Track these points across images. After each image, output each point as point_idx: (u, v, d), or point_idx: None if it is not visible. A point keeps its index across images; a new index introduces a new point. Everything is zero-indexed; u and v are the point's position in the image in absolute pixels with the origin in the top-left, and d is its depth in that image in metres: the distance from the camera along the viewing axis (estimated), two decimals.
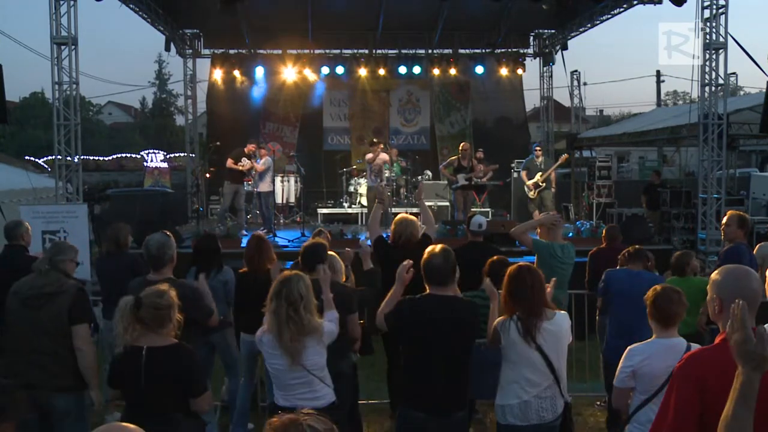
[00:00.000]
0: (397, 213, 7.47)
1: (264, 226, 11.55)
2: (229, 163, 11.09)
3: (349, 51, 15.35)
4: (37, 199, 10.38)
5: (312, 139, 16.09)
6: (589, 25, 13.91)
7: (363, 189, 13.82)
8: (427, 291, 3.80)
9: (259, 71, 15.06)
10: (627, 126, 18.37)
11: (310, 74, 15.14)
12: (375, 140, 12.42)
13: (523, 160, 13.32)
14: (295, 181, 13.42)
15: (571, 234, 10.27)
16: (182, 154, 20.74)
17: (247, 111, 15.74)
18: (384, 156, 11.81)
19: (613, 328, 5.08)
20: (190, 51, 15.56)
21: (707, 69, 9.76)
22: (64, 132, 9.31)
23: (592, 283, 6.31)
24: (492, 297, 4.07)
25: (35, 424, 4.15)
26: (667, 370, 3.28)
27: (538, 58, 16.40)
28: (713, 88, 9.80)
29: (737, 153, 16.99)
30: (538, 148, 12.18)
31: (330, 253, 4.66)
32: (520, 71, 15.90)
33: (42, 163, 24.13)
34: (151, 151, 24.61)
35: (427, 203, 12.66)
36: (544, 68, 16.45)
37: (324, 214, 13.77)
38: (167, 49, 14.26)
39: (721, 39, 9.61)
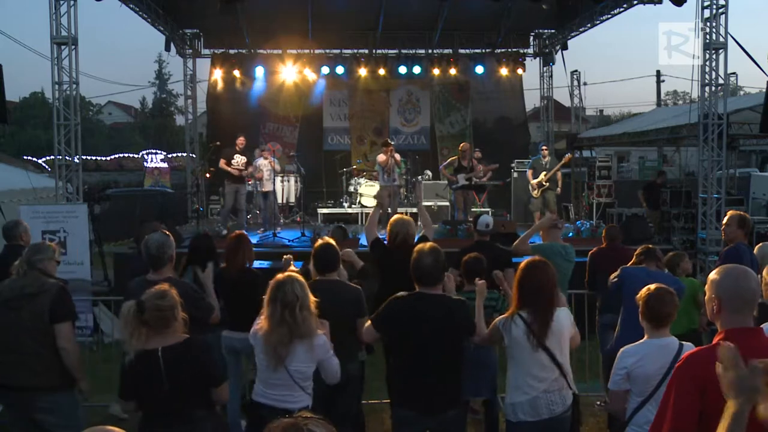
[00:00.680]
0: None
1: (267, 225, 11.58)
2: (222, 164, 11.09)
3: (349, 51, 15.35)
4: (37, 199, 10.38)
5: (312, 139, 16.09)
6: (589, 25, 13.90)
7: (363, 189, 13.83)
8: (416, 289, 3.81)
9: (259, 71, 15.07)
10: (627, 126, 18.37)
11: (310, 74, 15.14)
12: (388, 141, 12.42)
13: (524, 160, 13.35)
14: (295, 181, 13.43)
15: (571, 234, 10.27)
16: (182, 154, 20.74)
17: (247, 111, 15.73)
18: (396, 157, 11.80)
19: (625, 327, 4.96)
20: (190, 51, 15.56)
21: (707, 69, 9.76)
22: (64, 132, 9.30)
23: (592, 283, 6.31)
24: (480, 294, 4.08)
25: (25, 425, 4.14)
26: (661, 370, 3.29)
27: (538, 58, 16.39)
28: (713, 88, 9.79)
29: (737, 153, 16.98)
30: (544, 148, 12.18)
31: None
32: (520, 71, 15.89)
33: (42, 163, 24.14)
34: (151, 151, 24.62)
35: (427, 203, 12.88)
36: (544, 68, 16.45)
37: (324, 214, 13.78)
38: (167, 49, 14.26)
39: (721, 39, 9.61)
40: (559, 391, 3.66)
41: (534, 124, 19.28)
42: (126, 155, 30.38)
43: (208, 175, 14.47)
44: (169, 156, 25.23)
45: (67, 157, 9.34)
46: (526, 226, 11.50)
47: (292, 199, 13.51)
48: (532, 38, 16.33)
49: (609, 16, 13.08)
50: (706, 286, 2.54)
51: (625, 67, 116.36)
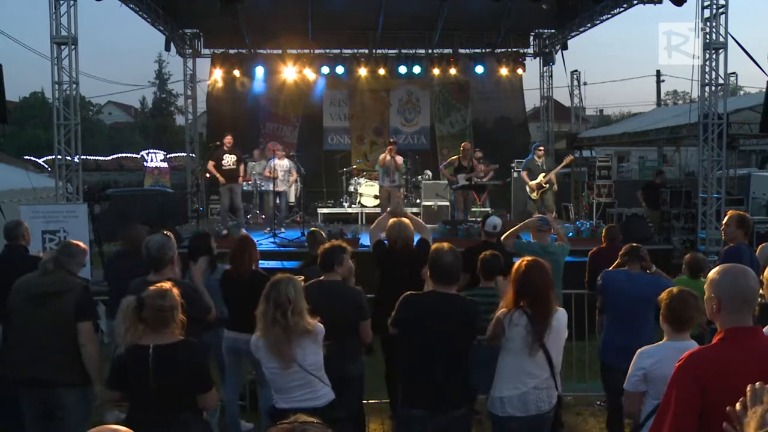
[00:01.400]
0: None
1: (283, 225, 11.60)
2: (210, 166, 11.05)
3: (349, 51, 15.34)
4: (37, 199, 10.38)
5: (312, 139, 16.08)
6: (589, 25, 13.90)
7: (363, 189, 13.83)
8: (431, 287, 3.82)
9: (259, 71, 15.06)
10: (627, 126, 18.38)
11: (310, 74, 15.13)
12: (392, 140, 12.41)
13: (524, 160, 13.31)
14: (295, 181, 13.42)
15: (571, 234, 10.26)
16: (182, 154, 20.73)
17: (247, 111, 15.73)
18: (397, 159, 11.78)
19: (610, 329, 5.06)
20: (190, 51, 15.56)
21: (707, 69, 9.76)
22: (64, 132, 9.31)
23: (592, 283, 6.31)
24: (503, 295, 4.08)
25: (40, 419, 4.24)
26: None
27: (538, 58, 16.39)
28: (713, 88, 9.80)
29: (737, 153, 16.99)
30: (541, 149, 12.10)
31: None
32: (520, 71, 15.88)
33: (42, 163, 24.13)
34: (151, 151, 24.61)
35: (427, 203, 12.85)
36: (544, 68, 16.45)
37: (324, 213, 13.78)
38: (167, 48, 14.25)
39: (721, 39, 9.61)
40: (548, 389, 3.70)
41: (534, 124, 19.28)
42: (126, 155, 30.37)
43: (207, 175, 14.44)
44: (169, 156, 25.23)
45: (67, 157, 9.35)
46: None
47: (292, 199, 13.50)
48: (532, 38, 16.33)
49: (609, 16, 13.07)
50: (706, 286, 2.55)
51: (625, 67, 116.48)
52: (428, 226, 6.41)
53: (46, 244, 8.27)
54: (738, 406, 1.94)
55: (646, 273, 5.21)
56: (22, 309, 4.18)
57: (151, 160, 24.03)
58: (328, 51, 15.28)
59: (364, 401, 5.28)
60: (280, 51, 14.93)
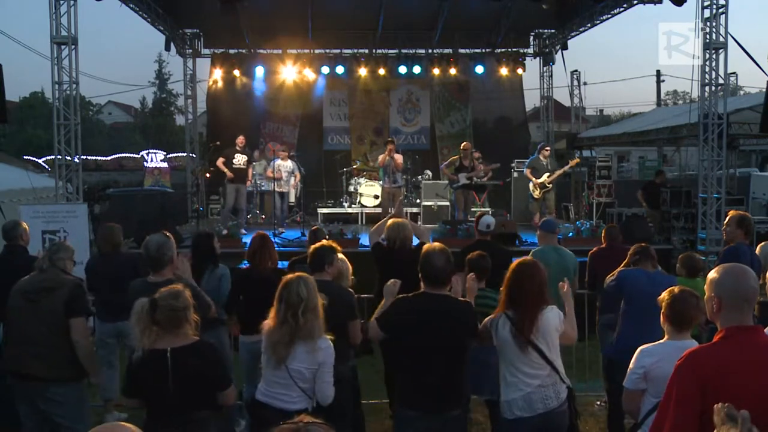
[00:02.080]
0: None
1: (285, 225, 11.60)
2: (219, 162, 11.06)
3: (349, 51, 15.34)
4: (37, 199, 10.38)
5: (312, 138, 16.08)
6: (589, 25, 13.90)
7: (363, 189, 13.83)
8: (422, 289, 3.81)
9: (259, 71, 15.06)
10: (627, 126, 18.40)
11: (310, 74, 15.13)
12: (390, 139, 12.38)
13: (524, 160, 13.29)
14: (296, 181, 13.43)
15: (571, 234, 10.28)
16: (182, 154, 20.74)
17: (247, 111, 15.73)
18: (397, 158, 11.75)
19: (628, 328, 4.95)
20: (190, 51, 15.56)
21: (707, 69, 9.75)
22: (64, 132, 9.30)
23: (592, 283, 6.31)
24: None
25: (35, 414, 4.27)
26: None
27: (538, 58, 16.39)
28: (713, 88, 9.79)
29: (737, 153, 16.98)
30: (547, 148, 12.11)
31: (340, 256, 4.69)
32: (520, 71, 15.88)
33: (42, 163, 24.15)
34: (151, 151, 24.63)
35: (427, 203, 12.85)
36: (544, 68, 16.45)
37: (324, 213, 13.78)
38: (167, 48, 14.26)
39: (721, 39, 9.60)
40: (553, 385, 3.69)
41: (534, 124, 19.28)
42: (126, 155, 30.38)
43: (208, 175, 14.47)
44: (169, 156, 25.24)
45: (67, 157, 9.34)
46: (526, 225, 11.53)
47: (292, 199, 13.51)
48: (532, 38, 16.32)
49: (609, 16, 13.07)
50: (706, 286, 2.55)
51: (625, 67, 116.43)
52: (428, 226, 6.41)
53: (46, 244, 8.26)
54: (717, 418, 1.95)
55: (661, 272, 5.20)
56: (18, 306, 4.27)
57: (151, 160, 24.05)
58: (328, 51, 15.28)
59: (364, 401, 5.29)
60: (280, 51, 14.94)
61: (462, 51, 15.71)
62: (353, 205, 13.88)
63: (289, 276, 3.68)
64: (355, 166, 14.86)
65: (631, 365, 3.37)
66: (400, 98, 16.47)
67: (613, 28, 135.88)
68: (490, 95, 16.54)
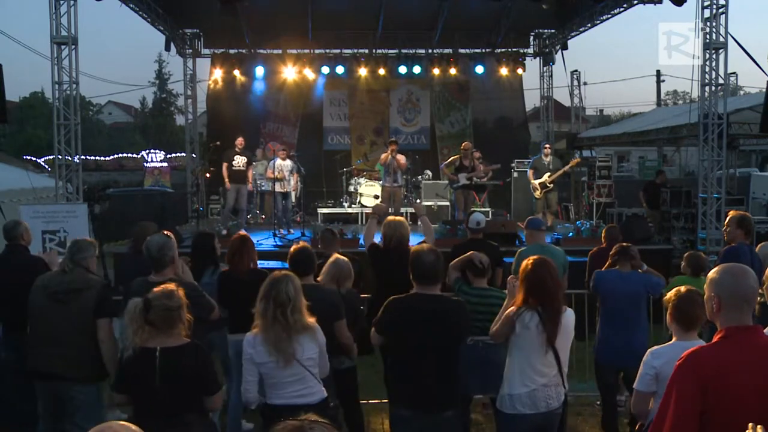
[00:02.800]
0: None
1: (289, 225, 11.62)
2: (224, 168, 11.17)
3: (349, 51, 15.34)
4: (37, 199, 10.38)
5: (312, 138, 16.07)
6: (589, 25, 13.90)
7: (363, 189, 13.83)
8: (414, 289, 3.81)
9: (260, 71, 15.05)
10: (627, 126, 18.42)
11: (310, 74, 15.12)
12: (393, 139, 12.38)
13: (524, 160, 13.30)
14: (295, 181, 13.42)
15: (571, 234, 10.27)
16: (182, 154, 20.76)
17: (247, 111, 15.73)
18: (399, 158, 11.73)
19: (604, 328, 5.10)
20: (190, 51, 15.55)
21: (707, 69, 9.76)
22: (64, 132, 9.30)
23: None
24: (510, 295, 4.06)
25: (53, 412, 4.32)
26: None
27: (538, 58, 16.39)
28: (713, 88, 9.79)
29: (737, 153, 16.99)
30: (547, 147, 12.11)
31: (339, 256, 4.69)
32: (520, 71, 15.87)
33: (42, 163, 24.17)
34: (151, 150, 24.64)
35: (427, 203, 12.83)
36: (544, 68, 16.45)
37: (324, 213, 13.79)
38: (167, 48, 14.26)
39: (721, 39, 9.61)
40: (556, 386, 3.72)
41: (534, 124, 19.28)
42: (126, 155, 30.42)
43: (208, 175, 14.48)
44: (169, 156, 25.26)
45: (67, 157, 9.35)
46: None
47: (292, 199, 13.50)
48: (532, 38, 16.32)
49: (609, 16, 13.07)
50: (706, 286, 2.55)
51: (625, 67, 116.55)
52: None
53: (46, 244, 8.27)
54: None
55: (637, 272, 5.23)
56: (44, 306, 4.27)
57: (151, 160, 24.06)
58: (328, 51, 15.27)
59: (364, 401, 5.29)
60: (280, 51, 14.93)
61: (462, 51, 15.71)
62: (353, 205, 13.88)
63: (276, 274, 3.65)
64: (355, 166, 14.86)
65: (641, 367, 3.33)
66: (400, 98, 16.47)
67: (613, 28, 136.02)
68: (490, 95, 16.54)
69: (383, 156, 11.87)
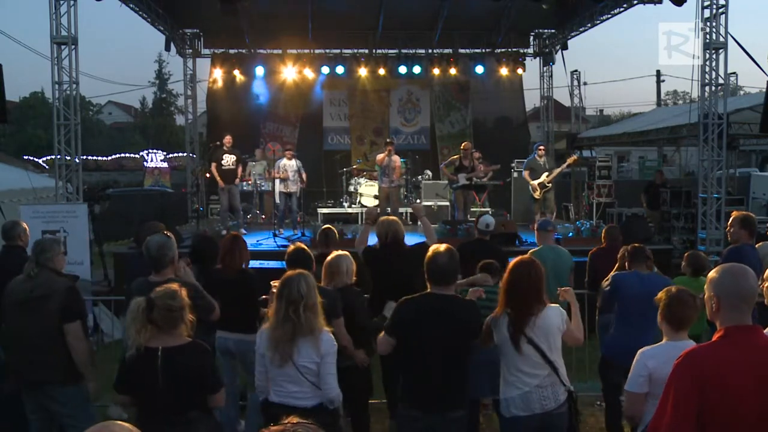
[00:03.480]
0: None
1: (296, 225, 11.60)
2: (213, 168, 11.12)
3: (349, 51, 15.34)
4: (37, 199, 10.38)
5: (312, 138, 16.08)
6: (589, 25, 13.90)
7: (363, 189, 13.83)
8: (428, 289, 3.81)
9: (259, 71, 15.05)
10: (627, 126, 18.40)
11: (310, 74, 15.13)
12: (388, 140, 12.38)
13: (524, 160, 13.28)
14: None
15: (571, 234, 10.27)
16: (182, 154, 20.74)
17: (247, 111, 15.73)
18: (395, 159, 11.72)
19: (620, 329, 5.01)
20: (190, 51, 15.55)
21: (707, 69, 9.75)
22: (64, 132, 9.30)
23: (592, 283, 6.31)
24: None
25: (44, 419, 4.32)
26: None
27: (538, 58, 16.39)
28: (713, 88, 9.79)
29: (737, 153, 16.98)
30: (541, 148, 12.09)
31: (340, 252, 4.68)
32: (520, 71, 15.88)
33: (42, 163, 24.16)
34: (151, 150, 24.62)
35: (427, 203, 12.83)
36: (544, 68, 16.45)
37: (324, 213, 13.78)
38: (167, 48, 14.26)
39: (721, 39, 9.60)
40: (552, 387, 3.68)
41: (534, 124, 19.28)
42: (126, 155, 30.39)
43: (208, 175, 14.46)
44: (169, 156, 25.24)
45: (67, 157, 9.34)
46: (526, 225, 11.51)
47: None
48: (532, 38, 16.32)
49: (609, 16, 13.07)
50: (706, 286, 2.55)
51: (625, 67, 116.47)
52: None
53: None
54: None
55: (655, 273, 5.20)
56: (12, 315, 4.27)
57: (151, 160, 24.04)
58: (328, 51, 15.27)
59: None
60: (280, 51, 14.93)
61: (462, 51, 15.71)
62: (353, 205, 13.88)
63: (290, 273, 3.68)
64: (355, 166, 14.85)
65: (632, 367, 3.31)
66: (400, 98, 16.47)
67: (613, 28, 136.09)
68: (490, 95, 16.54)
69: (379, 157, 11.87)
